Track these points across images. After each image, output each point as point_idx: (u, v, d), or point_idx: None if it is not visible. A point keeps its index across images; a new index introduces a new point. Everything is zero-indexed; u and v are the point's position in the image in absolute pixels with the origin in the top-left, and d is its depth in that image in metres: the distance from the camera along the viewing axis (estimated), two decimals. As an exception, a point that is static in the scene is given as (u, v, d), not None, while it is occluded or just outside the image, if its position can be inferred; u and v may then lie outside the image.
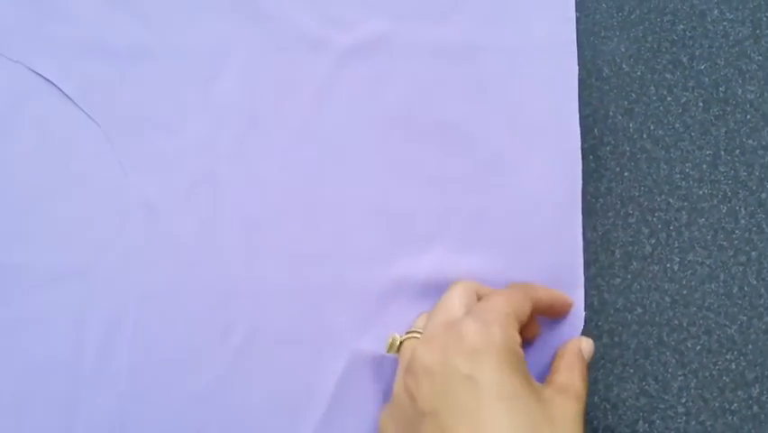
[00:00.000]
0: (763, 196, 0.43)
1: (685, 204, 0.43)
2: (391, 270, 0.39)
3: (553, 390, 0.33)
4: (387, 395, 0.38)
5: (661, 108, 0.44)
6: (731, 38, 0.45)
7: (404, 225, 0.39)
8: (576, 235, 0.39)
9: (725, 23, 0.45)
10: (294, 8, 0.41)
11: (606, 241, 0.42)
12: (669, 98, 0.44)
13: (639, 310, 0.41)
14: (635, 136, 0.44)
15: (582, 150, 0.40)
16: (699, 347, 0.41)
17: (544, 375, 0.37)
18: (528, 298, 0.35)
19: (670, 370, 0.41)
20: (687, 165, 0.43)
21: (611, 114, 0.44)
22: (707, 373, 0.41)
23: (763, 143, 0.43)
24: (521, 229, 0.39)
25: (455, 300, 0.35)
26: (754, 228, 0.42)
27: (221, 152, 0.40)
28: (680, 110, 0.44)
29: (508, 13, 0.41)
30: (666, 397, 0.40)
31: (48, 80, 0.41)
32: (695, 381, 0.41)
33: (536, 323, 0.38)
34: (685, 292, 0.42)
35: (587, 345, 0.36)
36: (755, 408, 0.40)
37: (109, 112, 0.40)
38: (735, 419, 0.40)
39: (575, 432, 0.31)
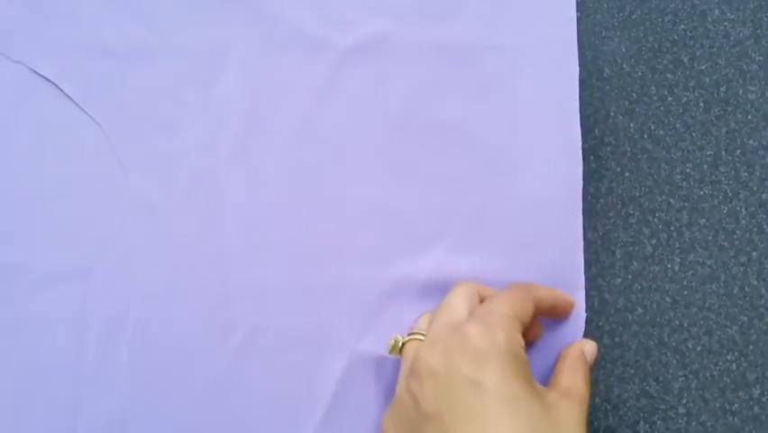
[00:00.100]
0: (764, 196, 0.43)
1: (686, 204, 0.43)
2: (391, 270, 0.39)
3: (556, 393, 0.33)
4: (387, 396, 0.38)
5: (662, 108, 0.44)
6: (732, 38, 0.45)
7: (404, 226, 0.39)
8: (577, 236, 0.39)
9: (726, 24, 0.45)
10: (294, 8, 0.41)
11: (606, 241, 0.42)
12: (670, 98, 0.44)
13: (640, 311, 0.41)
14: (635, 136, 0.44)
15: (583, 150, 0.40)
16: (699, 348, 0.41)
17: (545, 377, 0.37)
18: (531, 299, 0.35)
19: (671, 370, 0.41)
20: (688, 165, 0.43)
21: (612, 114, 0.44)
22: (707, 374, 0.41)
23: (764, 144, 0.43)
24: (521, 229, 0.39)
25: (458, 302, 0.35)
26: (755, 229, 0.42)
27: (221, 153, 0.40)
28: (680, 110, 0.44)
29: (509, 14, 0.41)
30: (667, 398, 0.40)
31: (48, 80, 0.41)
32: (696, 381, 0.40)
33: (538, 324, 0.38)
34: (686, 293, 0.42)
35: (590, 347, 0.36)
36: (756, 408, 0.40)
37: (110, 112, 0.40)
38: (735, 419, 0.40)
39: None
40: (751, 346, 0.41)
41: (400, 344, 0.36)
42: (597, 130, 0.44)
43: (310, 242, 0.39)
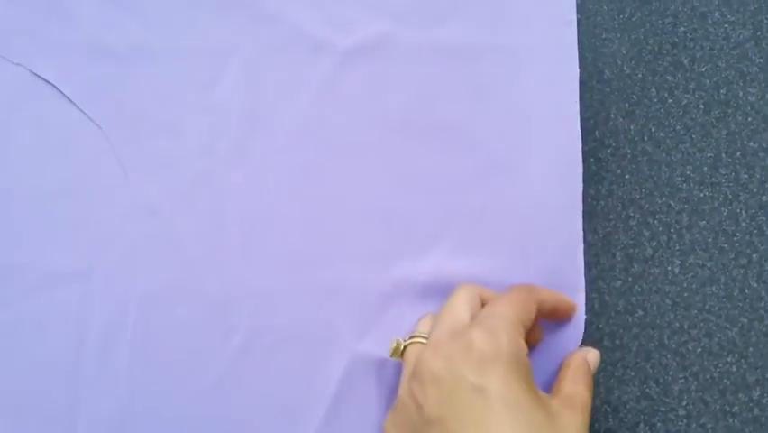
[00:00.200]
0: (764, 198, 0.43)
1: (686, 206, 0.43)
2: (391, 271, 0.39)
3: (559, 401, 0.33)
4: (388, 397, 0.38)
5: (662, 110, 0.44)
6: (732, 40, 0.45)
7: (404, 226, 0.39)
8: (577, 238, 0.39)
9: (726, 26, 0.45)
10: (295, 9, 0.41)
11: (606, 243, 0.42)
12: (670, 101, 0.44)
13: (640, 313, 0.41)
14: (635, 138, 0.44)
15: (583, 152, 0.40)
16: (699, 350, 0.41)
17: (545, 380, 0.37)
18: (533, 301, 0.35)
19: (671, 373, 0.41)
20: (688, 167, 0.43)
21: (612, 116, 0.44)
22: (707, 376, 0.41)
23: (764, 146, 0.43)
24: (522, 231, 0.39)
25: (460, 306, 0.35)
26: (755, 231, 0.42)
27: (221, 154, 0.40)
28: (681, 112, 0.44)
29: (509, 16, 0.41)
30: (667, 400, 0.40)
31: (48, 82, 0.41)
32: (696, 383, 0.40)
33: (539, 328, 0.38)
34: (686, 295, 0.41)
35: (593, 356, 0.36)
36: (756, 410, 0.40)
37: (110, 113, 0.40)
38: (735, 421, 0.40)
39: None
40: (751, 348, 0.41)
41: (402, 347, 0.36)
42: (597, 132, 0.44)
43: (310, 242, 0.39)
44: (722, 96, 0.44)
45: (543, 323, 0.38)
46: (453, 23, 0.41)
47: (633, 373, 0.41)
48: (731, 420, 0.40)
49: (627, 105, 0.44)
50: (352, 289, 0.39)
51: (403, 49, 0.41)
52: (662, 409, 0.40)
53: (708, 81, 0.44)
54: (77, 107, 0.40)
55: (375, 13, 0.41)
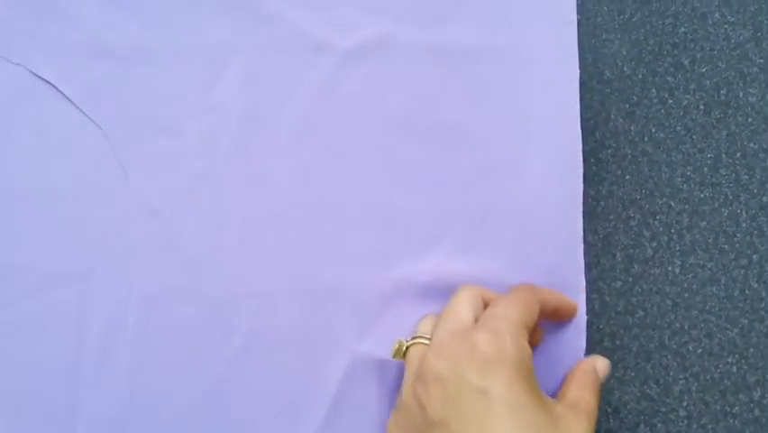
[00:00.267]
0: (765, 199, 0.43)
1: (686, 207, 0.43)
2: (392, 271, 0.39)
3: (564, 405, 0.33)
4: (389, 397, 0.38)
5: (662, 111, 0.44)
6: (732, 41, 0.45)
7: (405, 227, 0.39)
8: (577, 238, 0.39)
9: (726, 26, 0.45)
10: (295, 10, 0.41)
11: (607, 244, 0.42)
12: (670, 101, 0.44)
13: (640, 313, 0.41)
14: (636, 139, 0.44)
15: (583, 153, 0.40)
16: (700, 350, 0.41)
17: (546, 381, 0.37)
18: (536, 302, 0.35)
19: (671, 373, 0.41)
20: (688, 168, 0.43)
21: (612, 116, 0.44)
22: (708, 377, 0.40)
23: (765, 146, 0.43)
24: (522, 232, 0.39)
25: (462, 307, 0.35)
26: (756, 231, 0.42)
27: (221, 154, 0.40)
28: (681, 113, 0.44)
29: (509, 16, 0.41)
30: (667, 400, 0.40)
31: (48, 83, 0.41)
32: (696, 384, 0.40)
33: (540, 328, 0.38)
34: (686, 295, 0.41)
35: (602, 364, 0.36)
36: (756, 411, 0.40)
37: (110, 114, 0.40)
38: (736, 422, 0.40)
39: None
40: (751, 349, 0.41)
41: (404, 348, 0.36)
42: (597, 132, 0.44)
43: (310, 243, 0.39)
44: (722, 97, 0.44)
45: (543, 323, 0.38)
46: (453, 24, 0.41)
47: (633, 374, 0.41)
48: (732, 421, 0.40)
49: (628, 105, 0.44)
50: (353, 289, 0.39)
51: (403, 49, 0.41)
52: (663, 409, 0.40)
53: (708, 82, 0.44)
54: (77, 107, 0.40)
55: (375, 14, 0.41)
